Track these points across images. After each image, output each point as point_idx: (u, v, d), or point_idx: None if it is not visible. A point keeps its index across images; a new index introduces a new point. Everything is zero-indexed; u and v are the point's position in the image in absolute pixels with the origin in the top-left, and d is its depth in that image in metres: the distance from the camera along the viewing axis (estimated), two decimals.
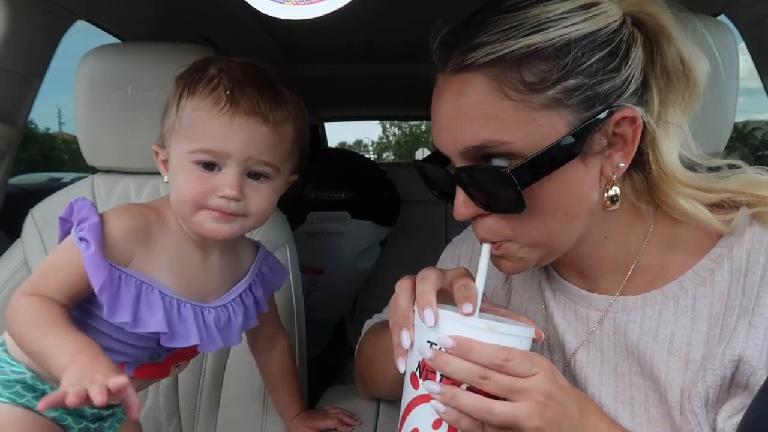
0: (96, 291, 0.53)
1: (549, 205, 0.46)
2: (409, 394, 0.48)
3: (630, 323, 0.51)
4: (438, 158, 0.52)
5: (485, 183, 0.46)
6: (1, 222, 1.13)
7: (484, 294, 0.48)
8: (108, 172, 0.97)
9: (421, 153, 23.62)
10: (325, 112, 2.75)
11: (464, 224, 2.08)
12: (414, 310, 0.48)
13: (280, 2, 0.53)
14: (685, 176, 0.48)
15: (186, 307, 0.59)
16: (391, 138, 33.90)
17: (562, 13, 0.43)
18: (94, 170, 0.99)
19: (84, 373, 0.44)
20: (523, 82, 0.43)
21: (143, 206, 0.61)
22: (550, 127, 0.44)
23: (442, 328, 0.44)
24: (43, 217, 0.94)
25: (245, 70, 0.58)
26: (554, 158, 0.44)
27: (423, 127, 31.38)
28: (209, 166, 0.56)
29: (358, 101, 2.63)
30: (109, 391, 0.42)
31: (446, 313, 0.45)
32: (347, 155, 1.93)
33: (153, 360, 0.62)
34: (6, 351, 0.60)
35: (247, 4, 0.53)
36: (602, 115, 0.44)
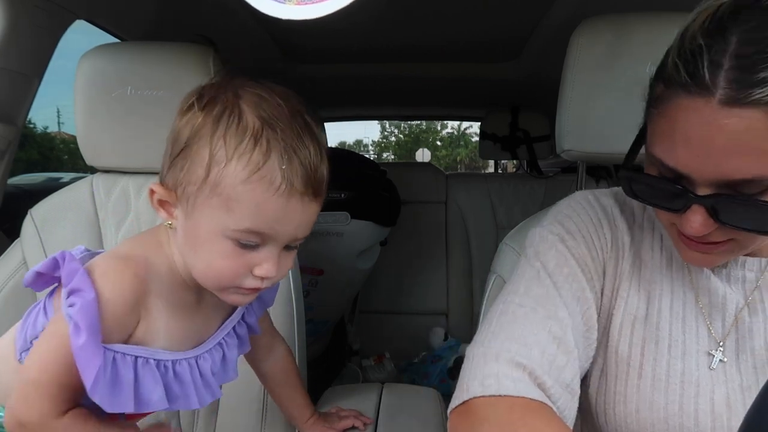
0: (88, 389, 0.46)
1: None
2: None
3: None
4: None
5: (753, 211, 0.47)
6: None
7: None
8: (107, 172, 0.97)
9: (422, 153, 23.64)
10: (325, 112, 2.75)
11: (461, 225, 2.04)
12: None
13: (281, 2, 0.52)
14: None
15: (181, 365, 0.54)
16: (392, 138, 33.91)
17: None
18: (93, 170, 0.99)
19: None
20: None
21: (130, 260, 0.51)
22: None
23: None
24: (42, 217, 0.93)
25: (291, 124, 0.49)
26: None
27: (423, 127, 31.44)
28: (248, 245, 0.50)
29: (358, 101, 2.63)
30: None
31: None
32: (347, 155, 1.93)
33: None
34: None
35: (247, 4, 0.53)
36: None
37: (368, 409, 0.86)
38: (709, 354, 0.57)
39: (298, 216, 0.50)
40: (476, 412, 0.50)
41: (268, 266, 0.50)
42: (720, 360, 0.56)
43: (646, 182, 0.53)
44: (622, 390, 0.58)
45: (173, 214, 0.52)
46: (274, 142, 0.47)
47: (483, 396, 0.51)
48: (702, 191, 0.48)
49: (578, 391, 0.55)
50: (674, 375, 0.56)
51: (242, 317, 0.63)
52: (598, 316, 0.61)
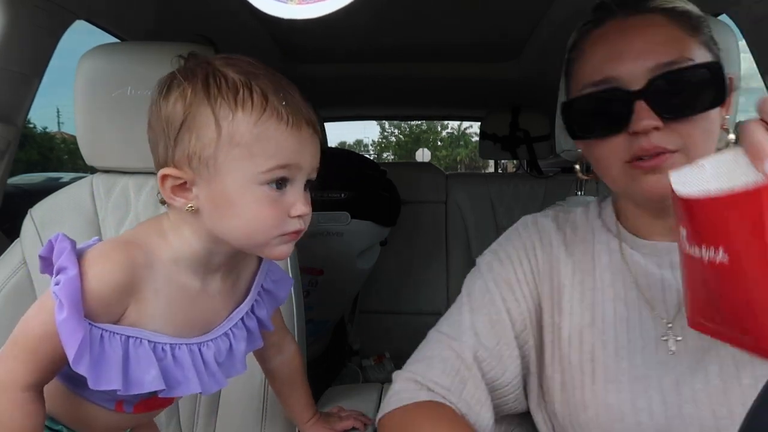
0: (70, 362, 0.47)
1: (714, 116, 0.56)
2: None
3: None
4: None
5: (690, 82, 0.55)
6: None
7: None
8: (107, 172, 0.97)
9: (422, 153, 23.65)
10: (325, 112, 2.75)
11: (461, 225, 2.02)
12: None
13: (283, 2, 0.52)
14: None
15: (181, 349, 0.55)
16: (392, 138, 33.92)
17: None
18: (93, 170, 0.99)
19: None
20: (690, 23, 0.57)
21: (128, 246, 0.52)
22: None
23: None
24: (42, 217, 0.93)
25: (268, 74, 0.53)
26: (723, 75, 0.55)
27: (423, 127, 31.45)
28: (281, 184, 0.52)
29: (358, 101, 2.63)
30: None
31: None
32: (347, 155, 1.93)
33: (152, 395, 0.56)
34: None
35: (248, 4, 0.53)
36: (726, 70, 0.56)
37: (368, 409, 0.86)
38: (661, 340, 0.57)
39: (311, 146, 0.54)
40: (384, 428, 0.62)
41: (300, 204, 0.53)
42: (676, 340, 0.57)
43: (587, 103, 0.59)
44: (580, 398, 0.59)
45: (189, 197, 0.52)
46: (265, 87, 0.51)
47: (386, 413, 0.62)
48: (636, 86, 0.55)
49: (487, 402, 0.62)
50: (623, 374, 0.57)
51: (252, 310, 0.63)
52: (541, 332, 0.65)
